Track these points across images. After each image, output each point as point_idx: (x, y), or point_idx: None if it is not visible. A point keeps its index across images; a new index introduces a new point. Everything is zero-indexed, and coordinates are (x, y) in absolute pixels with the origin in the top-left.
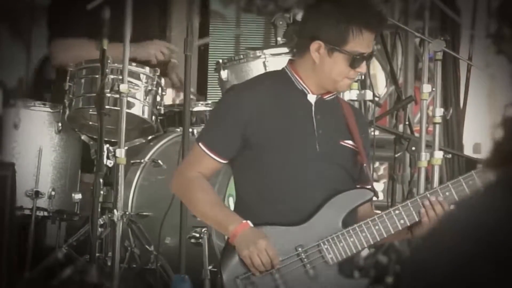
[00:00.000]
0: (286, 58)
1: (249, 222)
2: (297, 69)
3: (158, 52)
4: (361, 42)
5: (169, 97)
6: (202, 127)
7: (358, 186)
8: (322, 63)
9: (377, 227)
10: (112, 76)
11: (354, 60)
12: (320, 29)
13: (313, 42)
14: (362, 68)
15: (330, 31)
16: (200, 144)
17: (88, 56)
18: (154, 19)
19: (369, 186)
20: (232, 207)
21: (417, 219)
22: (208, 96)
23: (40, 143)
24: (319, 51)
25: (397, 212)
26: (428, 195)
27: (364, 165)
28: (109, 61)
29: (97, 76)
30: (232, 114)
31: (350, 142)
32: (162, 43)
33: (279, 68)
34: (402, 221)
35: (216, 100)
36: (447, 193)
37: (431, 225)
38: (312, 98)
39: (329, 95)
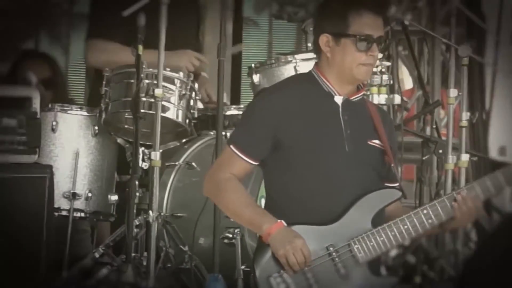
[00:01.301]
0: None
1: (282, 221)
2: (321, 70)
3: (188, 64)
4: (363, 23)
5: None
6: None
7: (386, 185)
8: (333, 55)
9: (406, 226)
10: (147, 81)
11: (360, 42)
12: (323, 22)
13: (320, 36)
14: (374, 51)
15: (331, 20)
16: (231, 146)
17: (122, 61)
18: (188, 25)
19: (397, 186)
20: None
21: (444, 219)
22: (241, 99)
23: (77, 146)
24: (328, 45)
25: (425, 211)
26: (455, 194)
27: (392, 165)
28: (144, 66)
29: (132, 81)
30: (262, 116)
31: (377, 142)
32: (194, 54)
33: None
34: (430, 221)
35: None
36: (473, 193)
37: (464, 220)
38: (339, 99)
39: (355, 96)
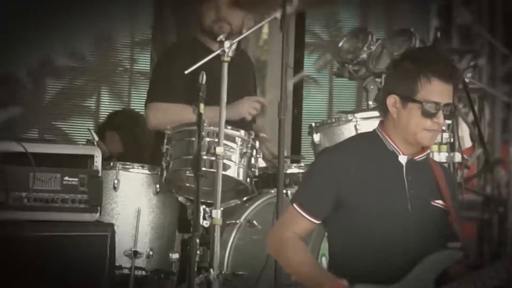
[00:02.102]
0: (377, 121)
1: (344, 281)
2: (386, 130)
3: (250, 109)
4: (431, 90)
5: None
6: (296, 188)
7: (448, 245)
8: (399, 117)
9: (467, 286)
10: (208, 139)
11: (426, 109)
12: (393, 83)
13: (388, 97)
14: (439, 118)
15: (401, 83)
16: (294, 204)
17: (183, 120)
18: (249, 83)
19: (460, 246)
20: (325, 266)
21: (505, 279)
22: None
23: (138, 204)
24: (395, 106)
25: (486, 271)
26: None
27: (455, 225)
28: (205, 124)
29: (193, 139)
30: (324, 175)
31: (441, 202)
32: (252, 98)
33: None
34: (490, 281)
35: (310, 163)
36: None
37: None
38: (403, 159)
39: (419, 156)
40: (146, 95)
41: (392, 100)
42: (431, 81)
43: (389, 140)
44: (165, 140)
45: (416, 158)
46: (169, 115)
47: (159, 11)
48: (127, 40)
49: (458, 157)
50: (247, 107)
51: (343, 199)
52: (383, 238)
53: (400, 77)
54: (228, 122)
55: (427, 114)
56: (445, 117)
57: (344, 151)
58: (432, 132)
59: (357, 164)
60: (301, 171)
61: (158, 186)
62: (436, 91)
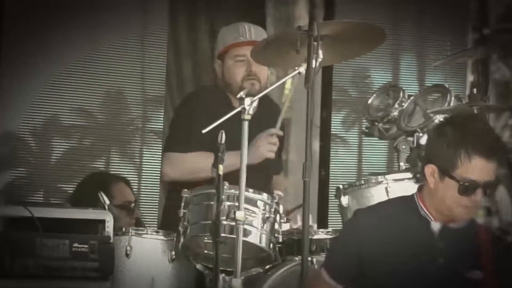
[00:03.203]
0: (409, 183)
1: None
2: (422, 195)
3: (268, 146)
4: (471, 168)
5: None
6: (323, 255)
7: None
8: (436, 188)
9: None
10: (228, 203)
11: (464, 187)
12: (433, 152)
13: (427, 165)
14: (477, 196)
15: (441, 155)
16: (322, 269)
17: (200, 168)
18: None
19: None
20: None
21: None
22: (328, 223)
23: (152, 272)
24: (433, 176)
25: None
26: None
27: None
28: (225, 187)
29: (212, 203)
30: (350, 241)
31: (478, 272)
32: (265, 133)
33: (402, 193)
34: None
35: (337, 228)
36: None
37: None
38: (435, 226)
39: (455, 223)
40: (160, 153)
41: (430, 170)
42: (471, 159)
43: (423, 207)
44: (182, 204)
45: (450, 225)
46: (186, 165)
47: (174, 65)
48: (139, 97)
49: (495, 221)
50: (264, 145)
51: (367, 266)
52: None
53: (441, 147)
54: (249, 185)
55: (464, 192)
56: (484, 194)
57: (374, 216)
58: (469, 209)
59: (385, 231)
60: (328, 236)
61: (173, 253)
62: (476, 168)
